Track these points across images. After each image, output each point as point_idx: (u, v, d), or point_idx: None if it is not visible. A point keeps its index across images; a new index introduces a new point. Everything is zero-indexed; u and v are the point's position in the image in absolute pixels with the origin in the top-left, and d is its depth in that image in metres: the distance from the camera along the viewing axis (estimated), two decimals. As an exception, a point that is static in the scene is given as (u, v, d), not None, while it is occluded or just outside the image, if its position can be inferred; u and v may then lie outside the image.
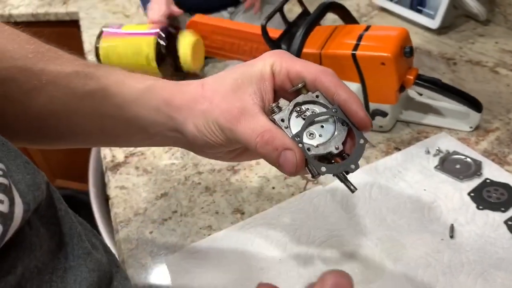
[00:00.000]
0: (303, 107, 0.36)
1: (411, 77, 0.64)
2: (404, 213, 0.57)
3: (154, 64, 0.82)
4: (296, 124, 0.36)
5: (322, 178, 0.63)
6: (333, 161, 0.35)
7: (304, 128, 0.35)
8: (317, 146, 0.35)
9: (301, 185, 0.63)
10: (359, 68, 0.63)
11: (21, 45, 0.41)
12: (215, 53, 0.81)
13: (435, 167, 0.62)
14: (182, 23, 0.88)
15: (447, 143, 0.65)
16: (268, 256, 0.54)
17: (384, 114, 0.66)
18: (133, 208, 0.64)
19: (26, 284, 0.30)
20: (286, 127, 0.35)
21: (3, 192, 0.27)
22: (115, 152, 0.74)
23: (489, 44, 0.87)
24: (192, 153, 0.53)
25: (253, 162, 0.68)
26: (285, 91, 0.38)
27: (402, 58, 0.62)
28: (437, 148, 0.64)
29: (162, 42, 0.81)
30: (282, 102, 0.38)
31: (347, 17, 0.70)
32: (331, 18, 0.72)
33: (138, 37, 0.82)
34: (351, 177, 0.35)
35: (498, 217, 0.54)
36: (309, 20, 0.64)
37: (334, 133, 0.35)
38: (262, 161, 0.50)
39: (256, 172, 0.66)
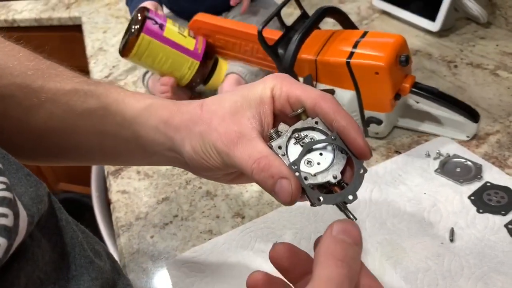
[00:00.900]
0: (302, 134, 0.35)
1: (407, 85, 0.63)
2: (404, 217, 0.57)
3: (185, 83, 0.80)
4: (294, 151, 0.35)
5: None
6: (332, 190, 0.34)
7: (302, 155, 0.34)
8: (314, 175, 0.34)
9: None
10: (354, 76, 0.62)
11: (21, 62, 0.41)
12: (217, 52, 0.81)
13: (435, 170, 0.62)
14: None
15: (448, 147, 0.65)
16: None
17: (379, 122, 0.66)
18: (134, 212, 0.65)
19: None
20: (283, 155, 0.34)
21: (7, 206, 0.27)
22: (117, 157, 0.75)
23: (490, 46, 0.87)
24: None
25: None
26: (285, 116, 0.37)
27: (398, 67, 0.61)
28: (437, 151, 0.64)
29: (197, 79, 0.80)
30: (282, 126, 0.37)
31: (346, 22, 0.69)
32: (331, 21, 0.71)
33: (182, 54, 0.77)
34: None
35: (498, 221, 0.54)
36: (306, 25, 0.63)
37: (333, 161, 0.34)
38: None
39: (257, 176, 0.67)
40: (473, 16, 0.93)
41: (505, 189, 0.58)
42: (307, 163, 0.34)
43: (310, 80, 0.65)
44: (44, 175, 1.89)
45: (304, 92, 0.36)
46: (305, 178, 0.34)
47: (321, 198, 0.33)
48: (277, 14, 0.66)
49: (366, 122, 0.67)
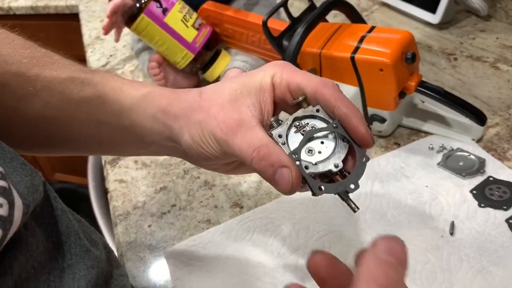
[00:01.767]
0: (303, 122, 0.35)
1: (413, 84, 0.61)
2: (404, 209, 0.56)
3: (179, 68, 0.80)
4: (294, 140, 0.34)
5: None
6: (333, 179, 0.34)
7: (303, 144, 0.34)
8: (315, 164, 0.33)
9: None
10: (358, 72, 0.61)
11: (16, 50, 0.40)
12: (225, 41, 0.80)
13: (438, 163, 0.61)
14: None
15: (451, 140, 0.64)
16: (267, 250, 0.54)
17: (382, 120, 0.65)
18: (131, 201, 0.64)
19: (22, 285, 0.30)
20: (284, 143, 0.34)
21: (2, 195, 0.27)
22: (114, 146, 0.74)
23: (490, 39, 0.87)
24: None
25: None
26: (286, 104, 0.37)
27: (403, 64, 0.59)
28: (441, 144, 0.64)
29: (197, 65, 0.79)
30: (283, 115, 0.37)
31: (353, 15, 0.67)
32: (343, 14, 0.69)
33: (178, 43, 0.77)
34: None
35: (499, 215, 0.54)
36: (311, 18, 0.61)
37: (335, 150, 0.34)
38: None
39: (255, 167, 0.66)
40: (473, 9, 0.92)
41: (507, 184, 0.57)
42: (308, 152, 0.34)
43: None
44: (40, 165, 1.88)
45: (305, 79, 0.35)
46: (306, 167, 0.33)
47: (322, 187, 0.33)
48: (284, 5, 0.64)
49: (369, 119, 0.66)
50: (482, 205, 0.55)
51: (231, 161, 0.40)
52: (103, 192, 0.91)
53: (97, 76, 0.42)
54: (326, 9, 0.63)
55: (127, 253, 0.57)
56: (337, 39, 0.63)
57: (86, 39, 1.12)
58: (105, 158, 0.73)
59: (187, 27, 0.77)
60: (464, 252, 0.50)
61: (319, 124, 0.35)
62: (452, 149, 0.63)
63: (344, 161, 0.34)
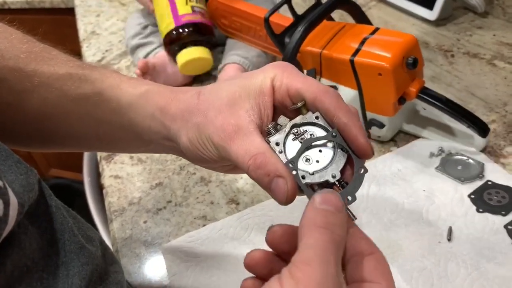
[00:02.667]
0: (301, 129, 0.34)
1: (414, 90, 0.59)
2: (401, 214, 0.56)
3: (161, 36, 0.80)
4: (292, 148, 0.33)
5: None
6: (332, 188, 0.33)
7: (300, 153, 0.33)
8: (312, 174, 0.33)
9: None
10: (357, 75, 0.59)
11: (13, 44, 0.40)
12: (233, 34, 0.79)
13: (436, 168, 0.61)
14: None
15: (450, 143, 0.64)
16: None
17: (381, 125, 0.63)
18: (127, 197, 0.64)
19: (15, 283, 0.30)
20: (281, 152, 0.33)
21: None
22: (110, 141, 0.74)
23: (487, 36, 0.87)
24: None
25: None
26: (285, 108, 0.36)
27: (404, 69, 0.58)
28: (440, 147, 0.63)
29: (175, 47, 0.79)
30: (282, 119, 0.36)
31: (358, 15, 0.66)
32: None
33: (170, 11, 0.78)
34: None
35: (498, 221, 0.53)
36: (313, 16, 0.60)
37: (333, 159, 0.33)
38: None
39: (252, 163, 0.66)
40: (470, 6, 0.92)
41: (506, 188, 0.56)
42: (306, 161, 0.33)
43: (313, 74, 0.62)
44: (35, 161, 1.87)
45: (305, 85, 0.34)
46: (303, 177, 0.32)
47: None
48: (287, 1, 0.63)
49: (368, 124, 0.64)
50: (481, 210, 0.55)
51: (229, 164, 0.40)
52: (99, 188, 0.91)
53: (95, 73, 0.41)
54: (330, 7, 0.62)
55: (122, 249, 0.57)
56: (339, 39, 0.62)
57: (81, 34, 1.11)
58: (101, 154, 0.72)
59: (186, 3, 0.79)
60: (462, 258, 0.50)
61: (318, 131, 0.34)
62: (451, 153, 0.62)
63: (342, 171, 0.33)
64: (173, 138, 0.39)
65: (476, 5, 0.90)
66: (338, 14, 0.64)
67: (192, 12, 0.78)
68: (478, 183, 0.58)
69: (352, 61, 0.59)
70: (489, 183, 0.57)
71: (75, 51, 0.96)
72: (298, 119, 0.34)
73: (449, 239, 0.52)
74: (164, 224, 0.59)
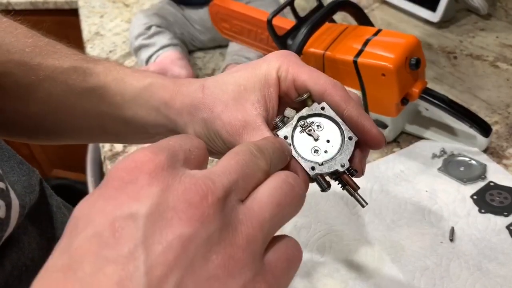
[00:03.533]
0: (308, 121, 0.34)
1: (417, 91, 0.60)
2: (404, 214, 0.56)
3: None
4: (300, 141, 0.34)
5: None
6: (341, 178, 0.34)
7: (309, 145, 0.34)
8: (321, 164, 0.33)
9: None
10: (360, 76, 0.60)
11: (19, 39, 0.40)
12: (234, 37, 0.79)
13: (439, 169, 0.61)
14: None
15: (453, 144, 0.64)
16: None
17: (384, 126, 0.63)
18: (131, 197, 0.64)
19: (14, 282, 0.30)
20: (289, 145, 0.33)
21: (0, 197, 0.27)
22: (113, 141, 0.74)
23: (490, 38, 0.87)
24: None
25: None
26: (290, 99, 0.36)
27: (407, 70, 0.58)
28: (442, 148, 0.63)
29: None
30: (288, 111, 0.36)
31: (360, 17, 0.66)
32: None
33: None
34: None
35: (500, 222, 0.53)
36: (315, 18, 0.61)
37: (341, 148, 0.34)
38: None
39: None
40: (473, 8, 0.92)
41: (508, 189, 0.56)
42: (314, 152, 0.34)
43: None
44: (38, 161, 1.87)
45: (311, 77, 0.34)
46: (312, 168, 0.33)
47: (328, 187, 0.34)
48: (290, 3, 0.63)
49: None
50: (483, 210, 0.55)
51: None
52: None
53: (99, 66, 0.42)
54: (332, 9, 0.62)
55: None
56: (342, 41, 0.62)
57: (85, 34, 1.12)
58: (105, 154, 0.72)
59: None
60: (464, 258, 0.50)
61: (325, 122, 0.34)
62: (453, 154, 0.62)
63: (350, 159, 0.34)
64: (179, 132, 0.39)
65: (479, 7, 0.90)
66: (341, 16, 0.64)
67: None
68: (480, 184, 0.58)
69: (355, 62, 0.59)
70: (491, 184, 0.57)
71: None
72: (304, 111, 0.34)
73: (451, 240, 0.52)
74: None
